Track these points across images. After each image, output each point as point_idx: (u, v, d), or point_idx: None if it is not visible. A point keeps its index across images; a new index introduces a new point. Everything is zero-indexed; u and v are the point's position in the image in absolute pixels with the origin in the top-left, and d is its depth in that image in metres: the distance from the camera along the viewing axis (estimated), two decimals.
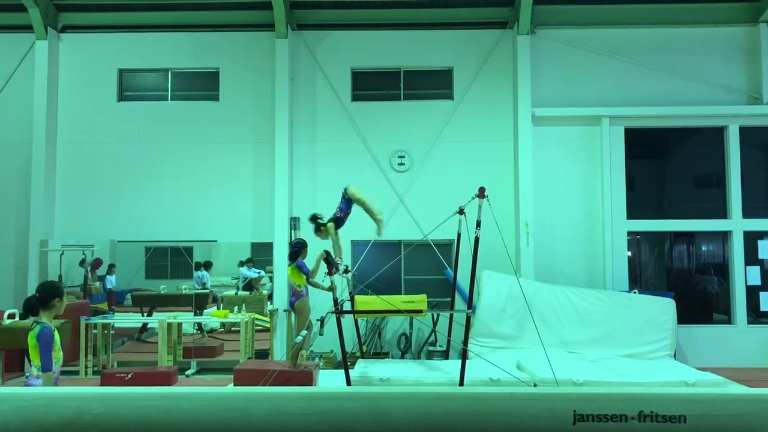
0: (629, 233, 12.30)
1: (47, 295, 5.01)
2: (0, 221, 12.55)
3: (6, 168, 12.64)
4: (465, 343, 8.33)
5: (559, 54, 12.41)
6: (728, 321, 12.17)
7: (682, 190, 12.89)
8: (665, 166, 12.95)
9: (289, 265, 8.60)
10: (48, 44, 12.50)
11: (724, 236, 12.36)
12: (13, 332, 8.98)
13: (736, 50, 12.37)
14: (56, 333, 4.98)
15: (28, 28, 12.45)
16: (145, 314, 12.64)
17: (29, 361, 5.02)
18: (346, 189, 8.53)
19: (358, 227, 12.21)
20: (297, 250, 8.51)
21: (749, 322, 12.03)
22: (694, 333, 11.72)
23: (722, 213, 12.27)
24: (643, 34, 12.43)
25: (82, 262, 12.72)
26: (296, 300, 8.38)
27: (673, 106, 12.13)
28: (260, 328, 12.01)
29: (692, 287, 12.86)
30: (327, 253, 8.21)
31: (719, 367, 10.19)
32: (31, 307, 5.02)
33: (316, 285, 8.63)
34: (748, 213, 12.16)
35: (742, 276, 12.07)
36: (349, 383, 8.19)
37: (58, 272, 12.28)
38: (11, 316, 9.31)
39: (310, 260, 8.67)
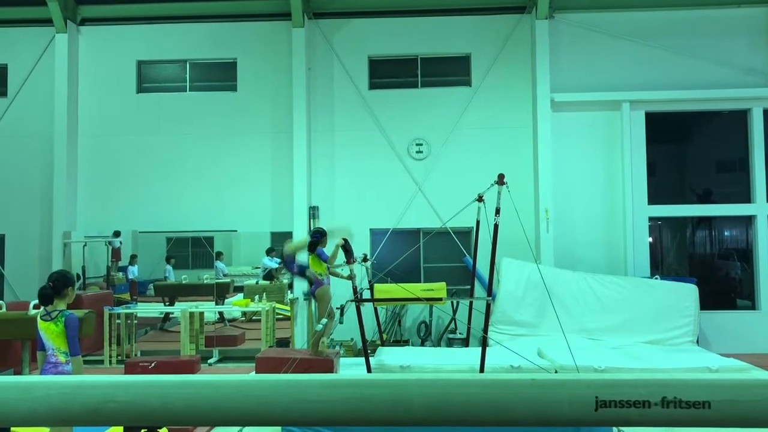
0: (650, 219, 12.18)
1: (61, 284, 5.10)
2: (24, 214, 12.73)
3: (29, 161, 12.80)
4: (485, 330, 8.32)
5: (578, 38, 12.27)
6: (752, 307, 12.03)
7: (704, 175, 12.72)
8: (687, 151, 12.79)
9: (308, 256, 8.61)
10: (68, 37, 12.62)
11: (748, 221, 12.20)
12: None
13: (758, 32, 12.13)
14: None
15: (47, 21, 12.56)
16: (167, 304, 12.78)
17: (44, 349, 5.07)
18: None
19: (376, 216, 12.28)
20: (316, 240, 8.50)
21: None
22: (717, 319, 11.59)
23: (746, 197, 12.10)
24: (664, 16, 12.24)
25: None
26: (317, 288, 8.38)
27: (695, 90, 11.96)
28: (281, 316, 12.08)
29: (715, 273, 12.72)
30: (345, 240, 8.23)
31: (743, 353, 10.08)
32: (45, 297, 5.10)
33: (335, 274, 8.64)
34: None
35: (767, 261, 11.90)
36: (369, 370, 8.22)
37: (81, 263, 12.45)
38: (37, 306, 9.44)
39: (329, 249, 8.69)
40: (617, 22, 12.24)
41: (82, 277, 12.45)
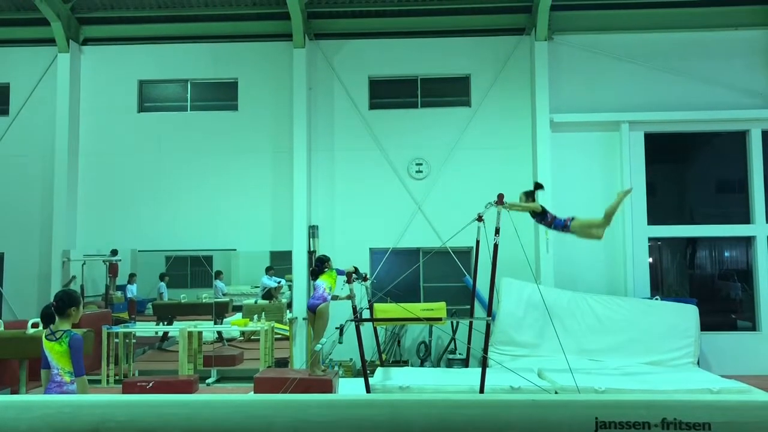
0: (650, 239, 12.17)
1: (64, 304, 5.03)
2: (23, 232, 12.72)
3: (29, 179, 12.81)
4: (485, 350, 8.28)
5: (577, 60, 12.36)
6: (753, 328, 11.98)
7: (703, 195, 12.74)
8: (686, 171, 12.82)
9: (313, 280, 8.66)
10: (70, 57, 12.70)
11: (748, 242, 12.20)
12: (37, 341, 9.06)
13: (756, 53, 12.23)
14: None
15: (50, 41, 12.66)
16: (166, 323, 12.73)
17: (48, 367, 5.04)
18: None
19: (376, 235, 12.29)
20: (319, 267, 8.58)
21: None
22: (718, 340, 11.54)
23: (745, 218, 12.11)
24: (662, 38, 12.33)
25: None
26: (320, 303, 8.37)
27: (694, 111, 12.02)
28: (279, 336, 12.03)
29: (715, 294, 12.68)
30: (355, 269, 8.41)
31: (744, 375, 10.03)
32: (47, 316, 5.06)
33: (335, 297, 8.67)
34: None
35: (767, 282, 11.87)
36: (368, 391, 8.18)
37: (80, 282, 12.42)
38: (35, 325, 9.41)
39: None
40: (616, 43, 12.33)
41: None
